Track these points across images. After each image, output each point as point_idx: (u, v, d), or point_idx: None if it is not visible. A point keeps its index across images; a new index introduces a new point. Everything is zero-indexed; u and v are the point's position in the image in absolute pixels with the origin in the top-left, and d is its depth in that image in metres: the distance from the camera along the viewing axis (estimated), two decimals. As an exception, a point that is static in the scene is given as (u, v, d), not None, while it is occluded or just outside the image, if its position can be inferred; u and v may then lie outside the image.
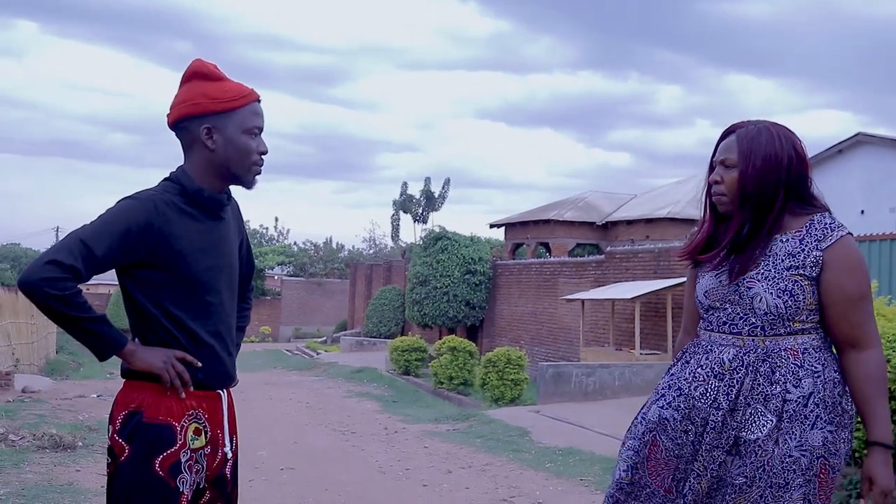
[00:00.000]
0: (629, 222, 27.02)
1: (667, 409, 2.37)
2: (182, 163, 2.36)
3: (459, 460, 8.32)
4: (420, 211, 37.08)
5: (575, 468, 7.62)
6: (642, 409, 2.50)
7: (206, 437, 2.30)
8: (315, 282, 45.03)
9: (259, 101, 2.37)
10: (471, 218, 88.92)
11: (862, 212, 17.51)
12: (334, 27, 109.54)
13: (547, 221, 28.17)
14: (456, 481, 7.26)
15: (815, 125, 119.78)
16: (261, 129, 2.37)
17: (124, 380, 2.29)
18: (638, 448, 2.41)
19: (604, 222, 28.04)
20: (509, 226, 30.61)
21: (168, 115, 2.34)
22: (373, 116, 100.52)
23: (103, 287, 44.62)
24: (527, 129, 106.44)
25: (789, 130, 2.34)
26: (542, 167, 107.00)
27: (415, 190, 37.39)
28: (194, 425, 2.27)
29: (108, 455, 2.25)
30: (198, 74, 2.32)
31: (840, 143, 18.41)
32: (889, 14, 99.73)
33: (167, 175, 2.35)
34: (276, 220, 55.97)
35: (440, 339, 17.93)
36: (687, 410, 2.33)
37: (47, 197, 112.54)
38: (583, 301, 17.32)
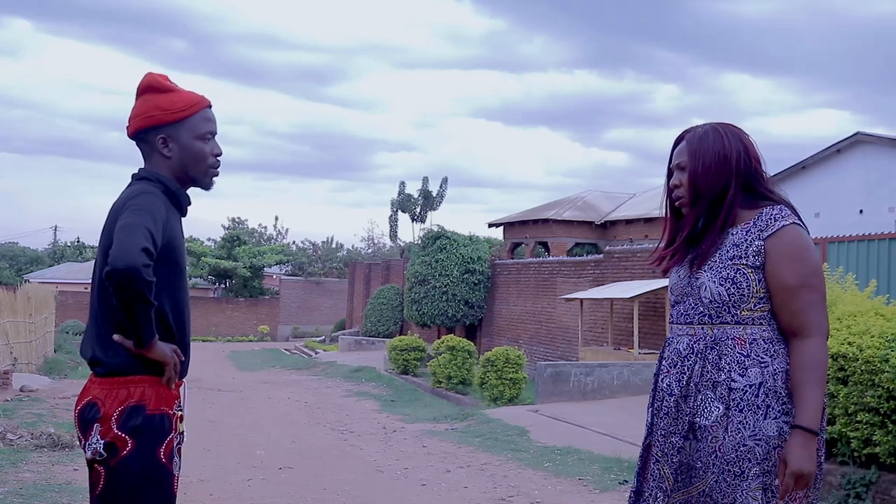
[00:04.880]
0: (628, 221, 27.01)
1: (651, 410, 2.47)
2: (143, 167, 2.52)
3: (458, 459, 8.32)
4: (418, 210, 37.06)
5: (573, 467, 7.62)
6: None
7: (183, 423, 2.45)
8: (313, 281, 45.01)
9: (210, 106, 2.53)
10: (468, 217, 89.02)
11: (861, 211, 17.51)
12: (330, 26, 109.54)
13: (545, 221, 28.15)
14: (454, 480, 7.26)
15: (814, 124, 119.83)
16: (214, 134, 2.53)
17: (104, 377, 2.31)
18: (642, 453, 2.48)
19: (602, 221, 28.03)
20: (508, 225, 30.60)
21: (127, 129, 2.51)
22: (369, 115, 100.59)
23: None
24: (523, 129, 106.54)
25: (737, 128, 2.45)
26: (540, 166, 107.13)
27: (412, 189, 37.40)
28: (178, 412, 2.42)
29: (104, 451, 2.27)
30: (150, 88, 2.48)
31: (838, 142, 18.39)
32: (887, 13, 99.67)
33: (139, 175, 2.48)
34: (276, 219, 56.04)
35: (439, 338, 17.92)
36: (659, 403, 2.42)
37: (45, 196, 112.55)
38: (581, 300, 17.32)
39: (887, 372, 5.34)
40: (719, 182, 2.36)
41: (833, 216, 17.70)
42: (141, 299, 2.17)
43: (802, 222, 2.38)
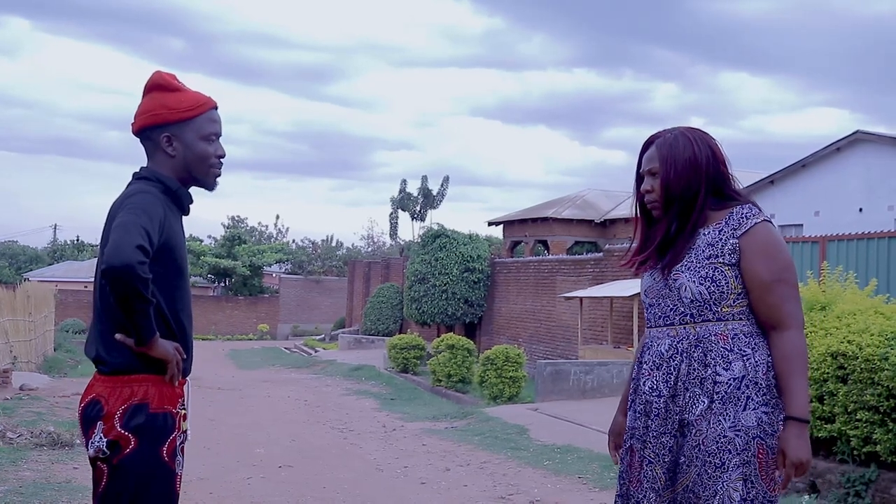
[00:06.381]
0: (627, 220, 26.98)
1: (634, 414, 2.50)
2: (145, 166, 2.52)
3: (457, 458, 8.33)
4: (418, 209, 37.07)
5: (573, 466, 7.62)
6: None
7: (187, 422, 2.46)
8: (313, 279, 45.02)
9: (216, 108, 2.55)
10: (467, 216, 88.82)
11: (860, 210, 17.51)
12: (328, 25, 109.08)
13: (545, 219, 28.16)
14: (454, 479, 7.27)
15: (813, 123, 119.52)
16: (218, 135, 2.55)
17: (108, 376, 2.33)
18: (623, 456, 2.53)
19: (602, 220, 28.04)
20: (507, 223, 30.61)
21: (132, 125, 2.51)
22: (368, 114, 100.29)
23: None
24: (522, 127, 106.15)
25: (705, 133, 2.52)
26: (539, 165, 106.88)
27: (413, 188, 37.40)
28: (181, 411, 2.43)
29: (107, 449, 2.28)
30: (158, 86, 2.49)
31: (838, 141, 18.38)
32: (887, 13, 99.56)
33: (139, 175, 2.48)
34: (277, 217, 56.12)
35: (438, 336, 17.91)
36: (642, 406, 2.46)
37: (44, 195, 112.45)
38: (581, 299, 17.32)
39: (887, 370, 5.34)
40: (691, 187, 2.43)
41: (833, 214, 17.70)
42: (138, 296, 2.17)
43: (770, 220, 2.46)
